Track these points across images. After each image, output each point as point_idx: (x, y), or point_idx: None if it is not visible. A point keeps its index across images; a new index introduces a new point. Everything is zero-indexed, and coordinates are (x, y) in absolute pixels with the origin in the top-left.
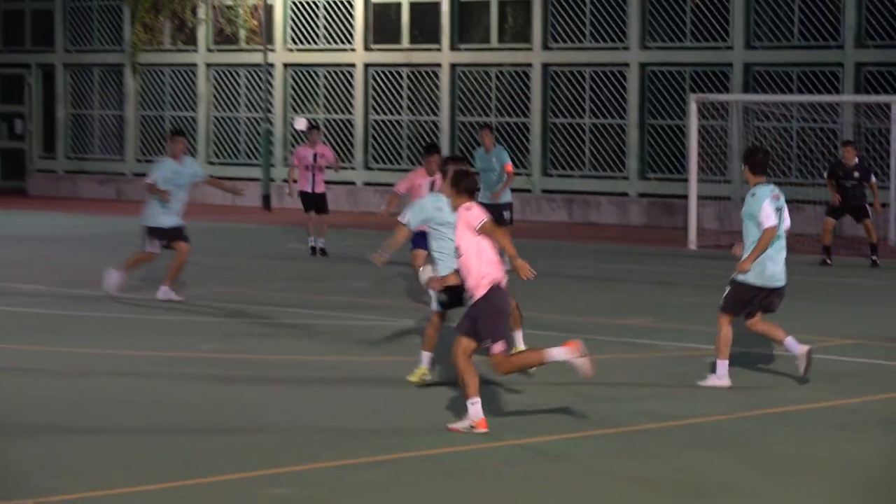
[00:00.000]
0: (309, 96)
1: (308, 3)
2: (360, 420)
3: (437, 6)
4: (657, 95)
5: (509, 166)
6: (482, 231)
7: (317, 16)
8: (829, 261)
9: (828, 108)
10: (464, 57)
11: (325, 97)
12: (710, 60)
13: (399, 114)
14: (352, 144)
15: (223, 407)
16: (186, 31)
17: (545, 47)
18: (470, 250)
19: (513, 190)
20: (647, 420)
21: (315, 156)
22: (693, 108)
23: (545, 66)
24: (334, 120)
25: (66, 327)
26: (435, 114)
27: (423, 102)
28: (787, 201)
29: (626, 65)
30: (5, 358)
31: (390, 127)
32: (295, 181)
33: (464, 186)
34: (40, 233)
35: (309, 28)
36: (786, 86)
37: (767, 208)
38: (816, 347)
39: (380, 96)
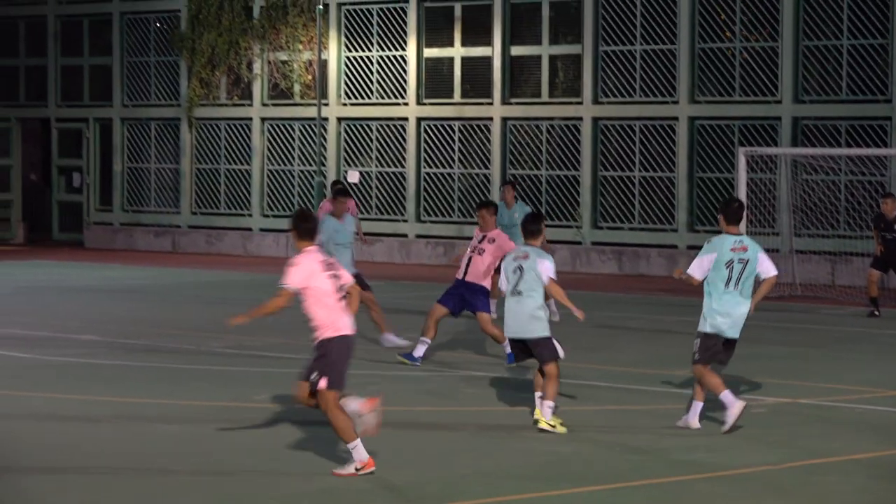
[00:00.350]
0: (362, 150)
1: (361, 58)
2: (410, 469)
3: (488, 61)
4: (706, 149)
5: None
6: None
7: (370, 71)
8: (877, 312)
9: (876, 160)
10: (515, 111)
11: (378, 150)
12: (759, 114)
13: (451, 167)
14: (404, 197)
15: (275, 454)
16: (242, 86)
17: (595, 101)
18: (309, 297)
19: (563, 241)
20: (697, 470)
21: None
22: (742, 162)
23: (595, 119)
24: (387, 173)
25: (120, 377)
26: (486, 167)
27: (475, 155)
28: (834, 253)
29: (676, 118)
30: (61, 406)
31: (442, 180)
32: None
33: (304, 230)
34: (96, 284)
35: (362, 83)
36: (834, 139)
37: (702, 261)
38: (865, 398)
39: (432, 149)
